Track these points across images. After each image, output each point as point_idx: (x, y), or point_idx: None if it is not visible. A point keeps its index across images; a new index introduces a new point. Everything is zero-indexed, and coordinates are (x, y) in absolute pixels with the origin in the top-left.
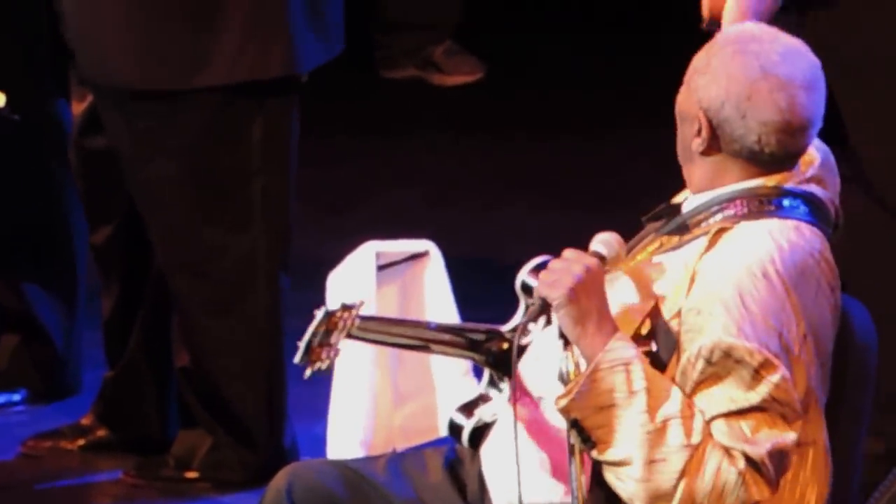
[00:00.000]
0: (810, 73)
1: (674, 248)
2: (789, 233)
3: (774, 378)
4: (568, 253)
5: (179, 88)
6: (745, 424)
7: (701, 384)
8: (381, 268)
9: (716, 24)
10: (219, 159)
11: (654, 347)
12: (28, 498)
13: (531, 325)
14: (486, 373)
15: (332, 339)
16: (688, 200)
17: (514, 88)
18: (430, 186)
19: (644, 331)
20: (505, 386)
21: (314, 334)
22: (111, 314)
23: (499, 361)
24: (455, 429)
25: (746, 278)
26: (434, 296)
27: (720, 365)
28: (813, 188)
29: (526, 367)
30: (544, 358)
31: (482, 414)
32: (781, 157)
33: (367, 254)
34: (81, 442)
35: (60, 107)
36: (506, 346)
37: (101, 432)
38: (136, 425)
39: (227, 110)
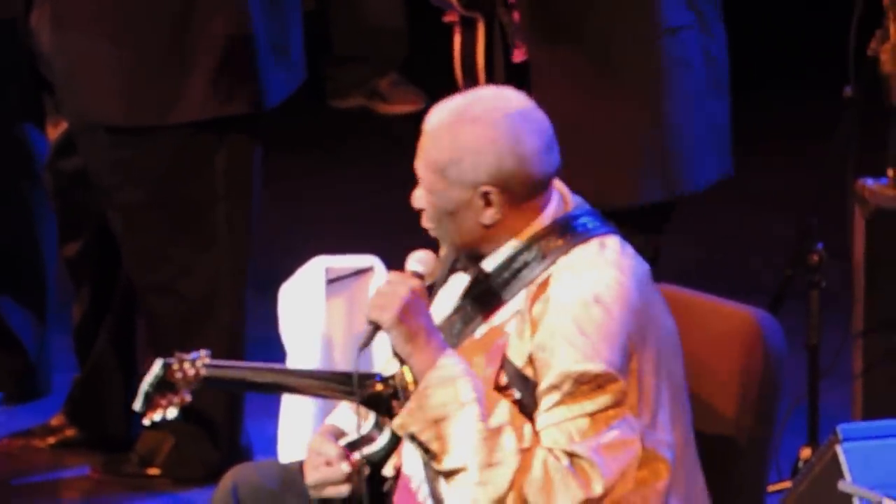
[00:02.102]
0: (525, 99)
1: (496, 309)
2: (604, 253)
3: (612, 389)
4: (392, 276)
5: (157, 124)
6: (572, 428)
7: (549, 410)
8: (329, 281)
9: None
10: (186, 187)
11: (516, 395)
12: (1, 493)
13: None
14: (373, 414)
15: (173, 392)
16: (485, 262)
17: None
18: (374, 206)
19: (503, 382)
20: (388, 428)
21: (151, 385)
22: (81, 320)
23: (376, 402)
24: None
25: (580, 309)
26: None
27: (569, 391)
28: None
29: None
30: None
31: (365, 453)
32: (552, 174)
33: (317, 268)
34: (51, 440)
35: (31, 133)
36: (379, 387)
37: (70, 431)
38: (102, 424)
39: (195, 142)
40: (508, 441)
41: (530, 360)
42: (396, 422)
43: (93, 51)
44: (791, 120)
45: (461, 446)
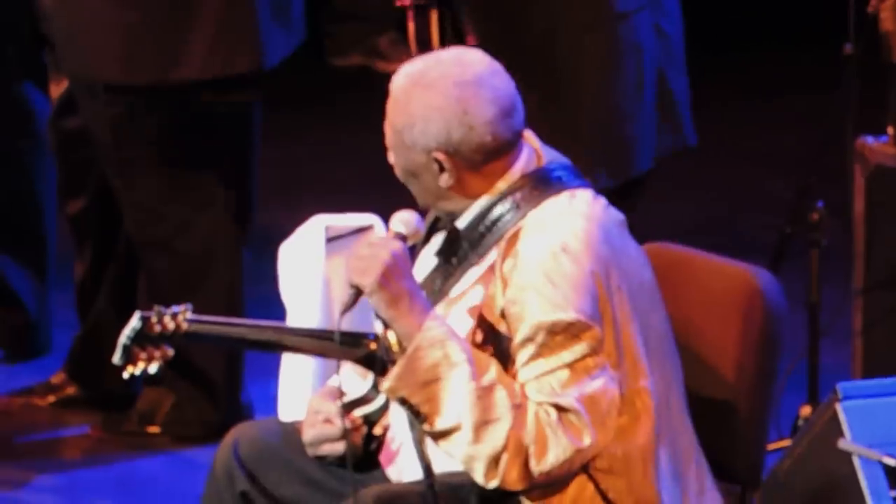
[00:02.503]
0: (487, 64)
1: (471, 265)
2: (576, 204)
3: (588, 337)
4: (373, 238)
5: (156, 83)
6: (553, 381)
7: (526, 363)
8: (329, 240)
9: None
10: (186, 145)
11: (492, 350)
12: (2, 450)
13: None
14: (371, 376)
15: (153, 346)
16: (459, 220)
17: None
18: (374, 164)
19: (478, 339)
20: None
21: (128, 338)
22: (83, 278)
23: (367, 362)
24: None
25: (549, 260)
26: None
27: (543, 342)
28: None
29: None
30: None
31: (360, 412)
32: (511, 139)
33: (317, 227)
34: (52, 398)
35: (31, 92)
36: (373, 346)
37: (70, 389)
38: (102, 382)
39: (196, 101)
40: (501, 398)
41: (503, 316)
42: (386, 386)
43: (93, 9)
44: (790, 78)
45: (454, 407)
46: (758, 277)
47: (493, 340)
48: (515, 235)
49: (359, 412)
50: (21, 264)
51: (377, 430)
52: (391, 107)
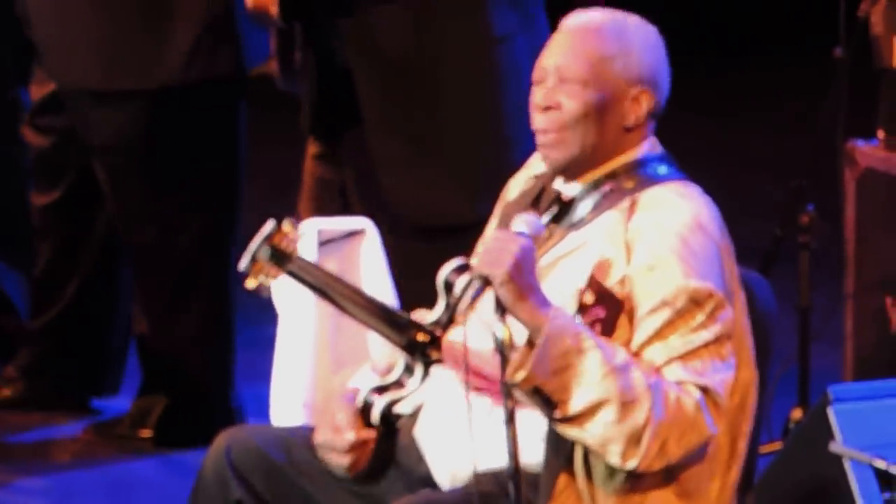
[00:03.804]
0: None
1: (578, 230)
2: (691, 190)
3: (724, 317)
4: (499, 233)
5: (138, 88)
6: (697, 361)
7: (658, 334)
8: (321, 243)
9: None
10: (174, 150)
11: (601, 314)
12: None
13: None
14: (402, 360)
15: (274, 262)
16: (569, 188)
17: None
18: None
19: (588, 300)
20: (418, 373)
21: (260, 245)
22: (42, 273)
23: (414, 348)
24: (366, 406)
25: (686, 231)
26: (370, 269)
27: (684, 310)
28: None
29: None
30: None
31: (393, 396)
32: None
33: (310, 230)
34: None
35: (25, 97)
36: (422, 337)
37: (14, 388)
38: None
39: (180, 103)
40: (638, 377)
41: (621, 283)
42: (520, 377)
43: (73, 14)
44: (781, 82)
45: (590, 390)
46: (749, 280)
47: (604, 302)
48: (633, 205)
49: (390, 396)
50: (11, 269)
51: (405, 409)
52: (592, 40)
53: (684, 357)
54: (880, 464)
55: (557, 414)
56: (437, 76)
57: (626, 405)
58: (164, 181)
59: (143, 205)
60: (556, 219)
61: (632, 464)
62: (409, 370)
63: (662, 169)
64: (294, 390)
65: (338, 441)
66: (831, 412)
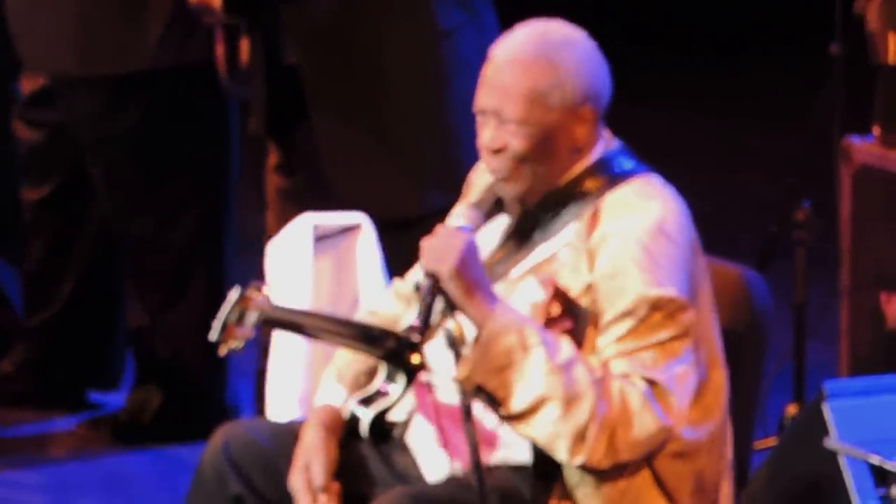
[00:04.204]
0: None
1: (542, 242)
2: (654, 188)
3: (684, 318)
4: (442, 229)
5: (112, 73)
6: (645, 356)
7: (621, 339)
8: (317, 239)
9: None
10: (160, 140)
11: (569, 326)
12: None
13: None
14: (384, 369)
15: (246, 321)
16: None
17: None
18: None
19: (555, 312)
20: (401, 379)
21: (229, 313)
22: (35, 270)
23: (394, 357)
24: (354, 419)
25: (647, 237)
26: (366, 265)
27: (645, 317)
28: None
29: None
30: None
31: (379, 406)
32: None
33: (305, 225)
34: None
35: (17, 93)
36: (400, 345)
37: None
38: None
39: (161, 92)
40: (581, 374)
41: (587, 292)
42: (460, 375)
43: (47, 1)
44: (777, 78)
45: (532, 388)
46: (744, 277)
47: (571, 313)
48: (595, 213)
49: (376, 407)
50: (6, 264)
51: (398, 417)
52: (522, 76)
53: (634, 352)
54: (875, 460)
55: (502, 412)
56: (383, 70)
57: (570, 402)
58: (156, 173)
59: (136, 198)
60: (522, 231)
61: (579, 460)
62: (391, 378)
63: (626, 164)
64: (290, 386)
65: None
66: (826, 408)
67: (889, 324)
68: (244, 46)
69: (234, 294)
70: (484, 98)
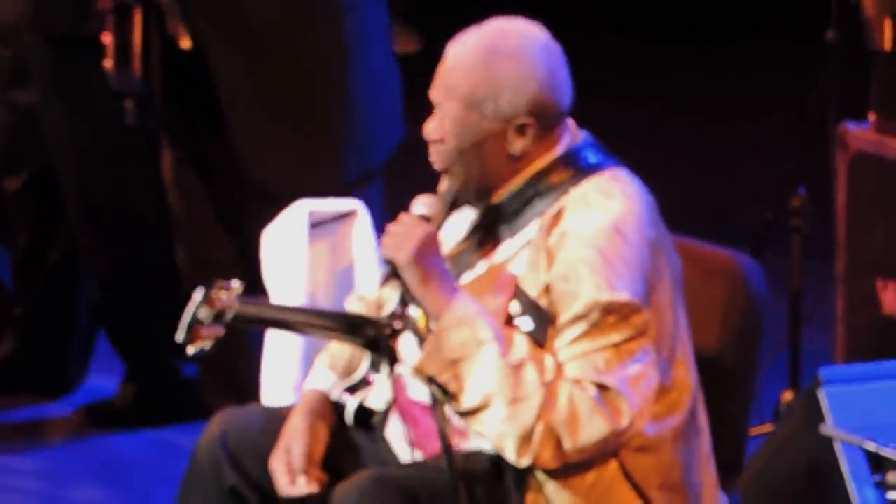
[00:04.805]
0: (541, 28)
1: (505, 240)
2: (617, 185)
3: (638, 319)
4: (404, 218)
5: (68, 34)
6: (598, 359)
7: (574, 341)
8: (312, 225)
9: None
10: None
11: (529, 326)
12: None
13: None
14: (366, 358)
15: (212, 324)
16: (497, 196)
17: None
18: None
19: (515, 311)
20: (384, 367)
21: (194, 314)
22: (19, 260)
23: (376, 346)
24: (339, 407)
25: (602, 238)
26: (361, 251)
27: (598, 320)
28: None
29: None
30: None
31: (364, 395)
32: (570, 103)
33: (300, 212)
34: None
35: None
36: (381, 333)
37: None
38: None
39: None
40: (531, 375)
41: (546, 291)
42: (414, 365)
43: None
44: (773, 65)
45: (482, 385)
46: (740, 264)
47: (531, 313)
48: (559, 212)
49: (361, 395)
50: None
51: (378, 405)
52: (461, 79)
53: (585, 355)
54: (871, 446)
55: (454, 406)
56: (290, 44)
57: (516, 402)
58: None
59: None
60: (487, 225)
61: (525, 461)
62: (374, 367)
63: (592, 157)
64: (285, 372)
65: (287, 487)
66: (822, 394)
67: (885, 310)
68: (137, 26)
69: (198, 294)
70: (433, 90)
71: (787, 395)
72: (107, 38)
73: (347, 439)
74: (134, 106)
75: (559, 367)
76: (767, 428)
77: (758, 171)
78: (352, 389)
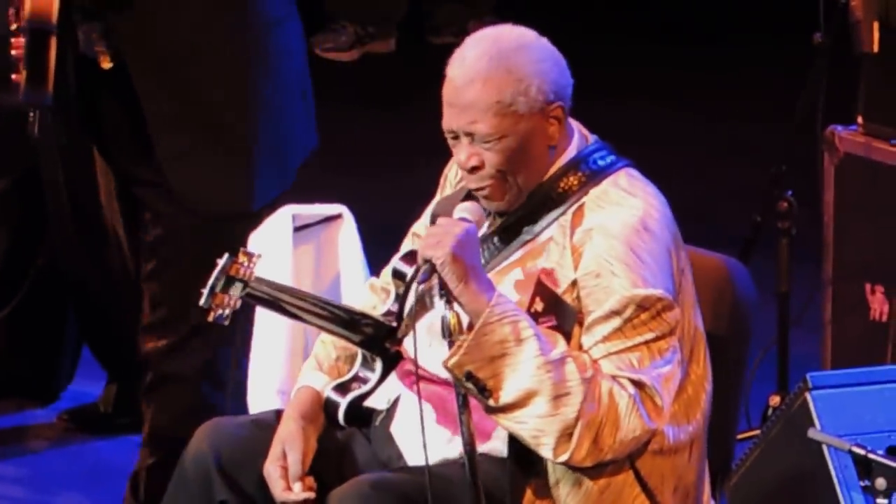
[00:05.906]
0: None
1: (526, 239)
2: (637, 183)
3: (669, 316)
4: (442, 220)
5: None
6: (632, 357)
7: (606, 339)
8: (297, 229)
9: None
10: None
11: (553, 322)
12: None
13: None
14: (360, 354)
15: (231, 291)
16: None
17: None
18: (344, 156)
19: (538, 308)
20: (378, 366)
21: (217, 279)
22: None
23: (372, 343)
24: (330, 406)
25: (632, 235)
26: (346, 255)
27: (632, 317)
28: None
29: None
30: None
31: (355, 393)
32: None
33: (284, 215)
34: None
35: None
36: (378, 331)
37: None
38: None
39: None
40: (572, 371)
41: (572, 288)
42: (452, 361)
43: None
44: (761, 67)
45: (523, 381)
46: (728, 266)
47: (555, 310)
48: (580, 210)
49: (353, 394)
50: None
51: (380, 404)
52: (483, 92)
53: (622, 352)
54: (859, 451)
55: (491, 402)
56: (209, 62)
57: (558, 398)
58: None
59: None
60: (505, 229)
61: (563, 458)
62: (368, 365)
63: (603, 159)
64: (270, 378)
65: (283, 495)
66: (810, 398)
67: (872, 314)
68: (51, 49)
69: (223, 259)
70: (451, 119)
71: (775, 399)
72: (18, 52)
73: (336, 441)
74: (37, 119)
75: (595, 364)
76: (756, 432)
77: (745, 172)
78: (342, 388)
